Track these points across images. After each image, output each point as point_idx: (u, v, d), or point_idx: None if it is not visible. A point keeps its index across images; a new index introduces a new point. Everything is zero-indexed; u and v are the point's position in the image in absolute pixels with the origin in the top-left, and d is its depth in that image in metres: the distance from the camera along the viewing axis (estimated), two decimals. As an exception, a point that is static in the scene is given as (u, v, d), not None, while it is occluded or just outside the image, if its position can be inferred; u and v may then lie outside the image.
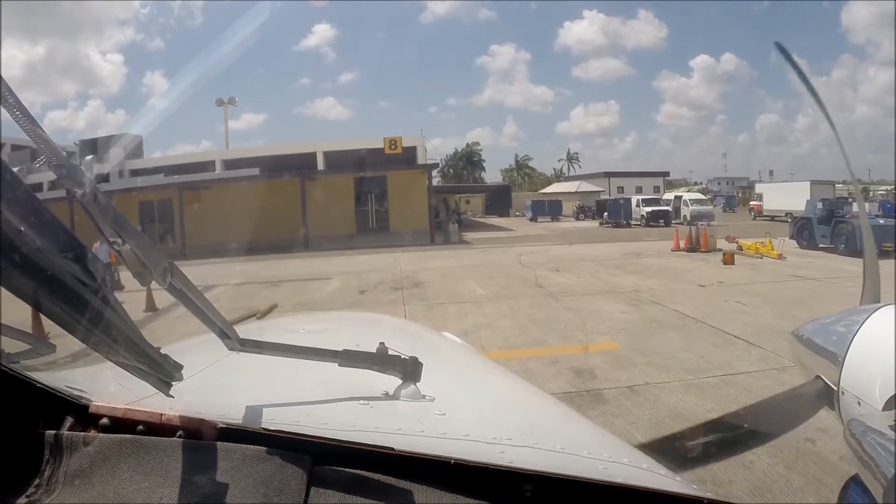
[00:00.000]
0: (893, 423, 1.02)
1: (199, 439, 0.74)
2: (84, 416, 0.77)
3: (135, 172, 26.14)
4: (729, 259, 12.84)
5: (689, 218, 28.64)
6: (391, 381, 0.99)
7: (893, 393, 1.08)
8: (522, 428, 0.97)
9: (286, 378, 1.04)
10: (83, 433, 0.73)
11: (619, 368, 5.35)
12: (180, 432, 0.75)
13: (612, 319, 7.52)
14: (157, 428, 0.75)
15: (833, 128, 1.38)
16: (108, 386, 0.87)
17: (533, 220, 38.20)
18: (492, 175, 67.37)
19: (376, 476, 0.69)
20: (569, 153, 71.82)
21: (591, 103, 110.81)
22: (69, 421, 0.76)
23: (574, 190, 46.00)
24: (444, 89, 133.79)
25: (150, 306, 8.19)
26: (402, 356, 0.99)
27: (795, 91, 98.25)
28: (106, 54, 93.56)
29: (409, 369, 0.98)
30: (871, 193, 47.60)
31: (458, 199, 47.10)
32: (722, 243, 15.44)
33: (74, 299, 0.58)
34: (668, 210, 31.06)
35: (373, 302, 9.60)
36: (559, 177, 66.20)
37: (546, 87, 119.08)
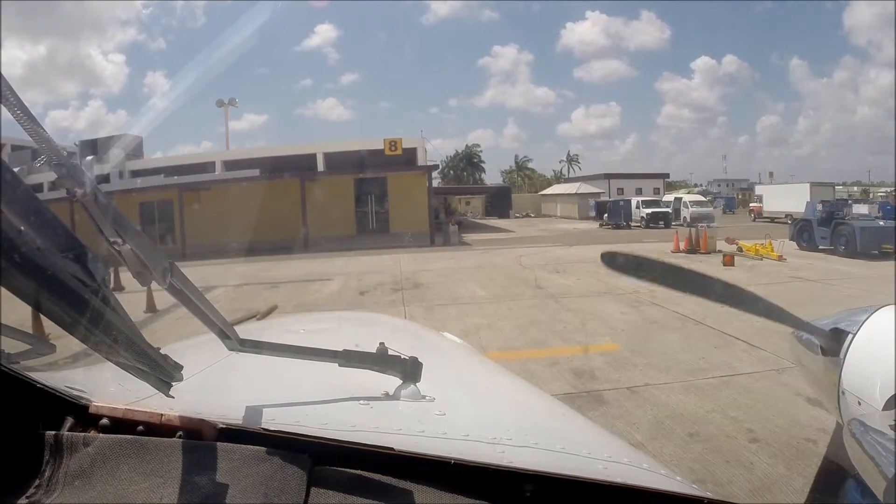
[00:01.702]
0: (893, 423, 1.02)
1: (199, 439, 0.74)
2: (84, 416, 0.77)
3: (135, 173, 26.12)
4: (729, 260, 12.84)
5: (688, 219, 28.65)
6: (391, 381, 0.99)
7: (893, 393, 1.08)
8: (522, 428, 0.97)
9: (286, 378, 1.04)
10: (83, 434, 0.73)
11: (620, 369, 5.35)
12: (180, 433, 0.75)
13: (612, 320, 7.52)
14: (157, 428, 0.75)
15: None
16: (108, 386, 0.87)
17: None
18: (492, 176, 67.46)
19: (376, 476, 0.69)
20: (569, 155, 71.88)
21: (592, 105, 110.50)
22: (69, 421, 0.76)
23: (574, 191, 45.91)
24: (445, 90, 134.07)
25: (151, 307, 8.19)
26: (402, 356, 0.99)
27: (797, 93, 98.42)
28: (108, 54, 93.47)
29: (409, 369, 0.98)
30: (871, 195, 47.63)
31: (459, 201, 47.09)
32: (722, 245, 15.44)
33: (74, 299, 0.58)
34: (668, 212, 31.08)
35: (373, 303, 9.60)
36: (559, 178, 66.15)
37: (547, 89, 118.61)
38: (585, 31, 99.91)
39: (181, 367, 0.77)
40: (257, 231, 16.68)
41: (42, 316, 0.60)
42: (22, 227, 0.54)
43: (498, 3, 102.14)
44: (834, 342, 1.29)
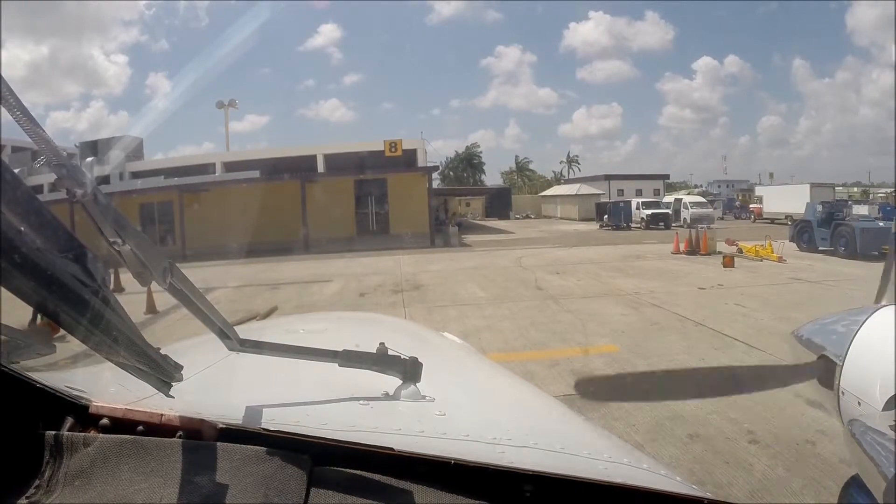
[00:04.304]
0: (893, 423, 1.02)
1: (199, 439, 0.74)
2: (84, 416, 0.77)
3: (135, 174, 26.14)
4: (729, 262, 12.84)
5: (689, 221, 28.63)
6: (391, 381, 0.99)
7: (893, 393, 1.08)
8: (522, 428, 0.98)
9: (286, 378, 1.04)
10: (83, 434, 0.73)
11: (620, 371, 5.34)
12: (180, 433, 0.75)
13: (613, 322, 7.52)
14: (157, 428, 0.75)
15: None
16: (108, 386, 0.87)
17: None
18: (492, 177, 67.46)
19: (376, 476, 0.69)
20: (569, 156, 71.89)
21: (594, 105, 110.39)
22: (69, 421, 0.76)
23: (574, 193, 45.93)
24: (448, 91, 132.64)
25: (151, 308, 8.20)
26: (402, 356, 0.99)
27: (798, 94, 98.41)
28: (110, 55, 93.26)
29: (409, 369, 0.98)
30: (871, 196, 47.60)
31: (459, 202, 47.09)
32: (722, 246, 15.45)
33: (75, 300, 0.58)
34: (667, 213, 31.08)
35: (373, 304, 9.59)
36: (559, 179, 66.13)
37: (550, 89, 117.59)
38: (588, 31, 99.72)
39: (181, 368, 0.77)
40: (257, 232, 16.68)
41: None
42: (22, 228, 0.54)
43: (501, 3, 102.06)
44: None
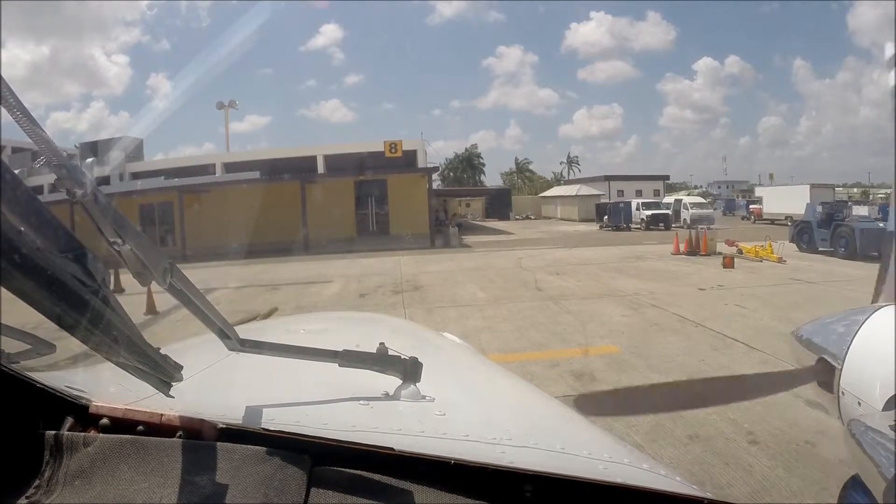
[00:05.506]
0: (893, 423, 1.02)
1: (199, 439, 0.74)
2: (84, 416, 0.77)
3: (135, 175, 26.16)
4: (729, 263, 12.85)
5: (688, 221, 28.64)
6: (391, 382, 0.99)
7: (893, 393, 1.08)
8: (523, 428, 0.98)
9: (286, 378, 1.04)
10: (83, 433, 0.73)
11: (620, 371, 5.34)
12: (180, 432, 0.75)
13: (613, 323, 7.52)
14: (157, 428, 0.75)
15: None
16: (108, 386, 0.87)
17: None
18: (492, 178, 67.60)
19: (376, 476, 0.69)
20: (569, 156, 71.97)
21: (594, 106, 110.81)
22: (69, 421, 0.76)
23: (574, 193, 45.90)
24: (448, 91, 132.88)
25: (151, 309, 8.20)
26: (402, 356, 0.99)
27: (799, 94, 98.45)
28: (110, 55, 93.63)
29: (409, 369, 0.98)
30: (871, 196, 47.60)
31: (459, 203, 47.10)
32: (722, 247, 15.45)
33: (75, 300, 0.58)
34: (667, 213, 31.10)
35: (373, 305, 9.59)
36: (559, 180, 66.15)
37: (551, 90, 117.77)
38: (590, 31, 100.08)
39: (181, 368, 0.77)
40: (257, 233, 16.69)
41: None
42: (22, 228, 0.54)
43: (503, 3, 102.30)
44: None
